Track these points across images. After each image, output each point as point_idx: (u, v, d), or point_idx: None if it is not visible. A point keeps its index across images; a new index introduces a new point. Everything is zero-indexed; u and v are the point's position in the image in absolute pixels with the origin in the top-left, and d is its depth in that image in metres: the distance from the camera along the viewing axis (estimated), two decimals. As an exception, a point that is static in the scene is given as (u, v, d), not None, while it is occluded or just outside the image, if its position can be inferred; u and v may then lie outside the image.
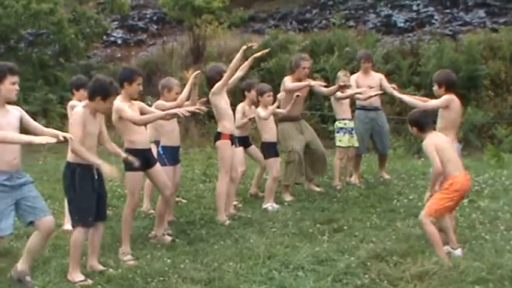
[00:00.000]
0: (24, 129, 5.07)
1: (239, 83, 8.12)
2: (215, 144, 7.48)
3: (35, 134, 4.94)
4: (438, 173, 5.47)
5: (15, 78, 4.98)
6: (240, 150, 8.08)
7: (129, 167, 5.92)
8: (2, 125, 4.85)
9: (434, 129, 5.78)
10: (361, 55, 9.72)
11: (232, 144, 7.40)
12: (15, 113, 5.03)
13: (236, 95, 9.31)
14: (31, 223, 5.07)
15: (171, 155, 6.86)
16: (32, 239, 5.15)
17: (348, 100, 9.11)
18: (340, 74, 9.25)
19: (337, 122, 9.13)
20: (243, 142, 8.15)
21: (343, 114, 9.06)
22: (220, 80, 7.24)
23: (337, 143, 9.06)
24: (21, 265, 5.16)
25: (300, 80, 8.57)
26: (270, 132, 8.08)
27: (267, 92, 8.07)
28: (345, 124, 9.01)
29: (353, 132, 9.04)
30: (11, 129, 4.89)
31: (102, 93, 5.31)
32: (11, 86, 4.94)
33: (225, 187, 7.28)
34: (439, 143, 5.53)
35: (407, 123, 5.78)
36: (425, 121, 5.64)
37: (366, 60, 9.40)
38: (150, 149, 6.23)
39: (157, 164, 6.26)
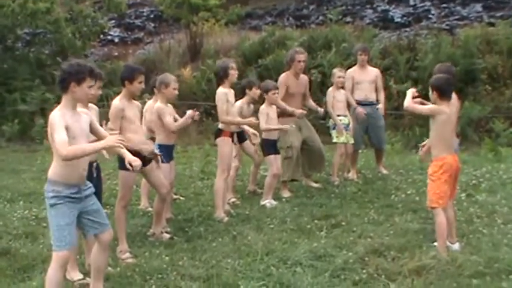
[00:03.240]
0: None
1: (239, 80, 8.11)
2: (215, 141, 7.49)
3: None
4: (406, 105, 5.72)
5: (93, 82, 4.60)
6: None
7: (122, 165, 5.94)
8: (76, 133, 4.45)
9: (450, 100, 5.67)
10: (358, 47, 9.80)
11: (232, 141, 7.42)
12: (85, 117, 4.67)
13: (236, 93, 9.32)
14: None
15: (167, 153, 6.84)
16: (95, 257, 4.87)
17: (344, 96, 9.10)
18: (336, 70, 9.31)
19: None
20: (238, 137, 8.13)
21: (338, 110, 9.07)
22: (222, 76, 7.33)
23: (335, 139, 9.06)
24: (94, 287, 4.93)
25: (296, 75, 8.60)
26: (265, 131, 8.07)
27: (272, 90, 8.04)
28: (340, 120, 9.01)
29: (348, 128, 9.04)
30: (84, 137, 4.57)
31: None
32: (87, 89, 4.53)
33: (222, 184, 7.30)
34: (444, 118, 5.53)
35: (430, 87, 5.69)
36: (448, 89, 5.60)
37: (363, 52, 9.42)
38: (145, 148, 6.22)
39: (153, 162, 6.26)
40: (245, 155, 8.67)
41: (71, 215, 4.49)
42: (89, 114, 4.75)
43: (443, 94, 5.57)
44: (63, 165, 4.44)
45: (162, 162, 6.58)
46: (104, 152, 5.19)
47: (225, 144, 7.35)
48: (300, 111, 8.40)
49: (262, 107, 8.04)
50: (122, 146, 4.66)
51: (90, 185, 4.73)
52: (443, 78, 5.69)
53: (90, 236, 4.84)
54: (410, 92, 5.82)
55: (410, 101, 5.74)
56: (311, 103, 9.03)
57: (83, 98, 4.61)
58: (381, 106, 9.32)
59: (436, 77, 5.76)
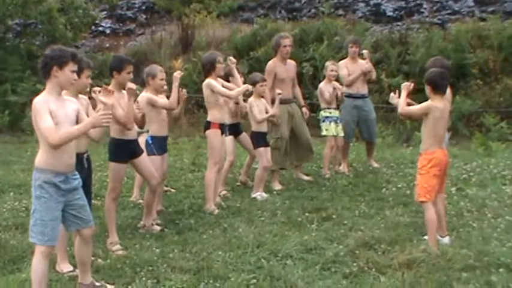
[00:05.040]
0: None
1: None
2: (204, 133, 7.48)
3: None
4: (400, 111, 5.72)
5: (75, 67, 4.49)
6: (230, 139, 8.07)
7: (112, 157, 5.93)
8: (59, 118, 4.40)
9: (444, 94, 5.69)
10: (349, 40, 9.86)
11: (222, 133, 7.40)
12: (72, 105, 4.62)
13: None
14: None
15: (160, 145, 6.83)
16: (78, 250, 4.87)
17: (333, 90, 9.10)
18: (328, 63, 9.31)
19: (322, 112, 9.15)
20: (234, 130, 8.12)
21: (330, 103, 9.07)
22: (210, 69, 7.34)
23: (324, 132, 9.06)
24: (82, 279, 4.92)
25: (283, 60, 8.60)
26: (260, 122, 8.05)
27: (260, 82, 8.03)
28: (330, 113, 9.03)
29: (338, 121, 9.04)
30: (69, 123, 4.48)
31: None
32: (70, 74, 4.45)
33: (213, 176, 7.29)
34: (437, 114, 5.55)
35: (424, 81, 5.73)
36: (442, 83, 5.61)
37: (354, 44, 9.43)
38: (136, 140, 6.19)
39: (144, 154, 6.24)
40: (238, 149, 8.66)
41: (56, 210, 4.45)
42: (76, 103, 4.70)
43: (437, 88, 5.58)
44: (50, 153, 4.39)
45: (154, 154, 6.58)
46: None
47: (214, 137, 7.33)
48: (277, 116, 8.30)
49: (251, 100, 8.02)
50: (108, 121, 4.58)
51: (78, 176, 4.66)
52: (437, 72, 5.70)
53: (87, 235, 4.76)
54: (404, 96, 5.78)
55: (403, 105, 5.72)
56: (298, 93, 9.04)
57: (66, 83, 4.51)
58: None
59: (430, 71, 5.76)
